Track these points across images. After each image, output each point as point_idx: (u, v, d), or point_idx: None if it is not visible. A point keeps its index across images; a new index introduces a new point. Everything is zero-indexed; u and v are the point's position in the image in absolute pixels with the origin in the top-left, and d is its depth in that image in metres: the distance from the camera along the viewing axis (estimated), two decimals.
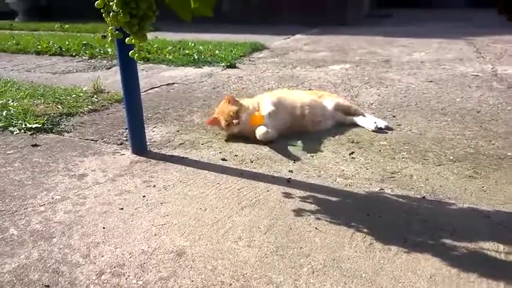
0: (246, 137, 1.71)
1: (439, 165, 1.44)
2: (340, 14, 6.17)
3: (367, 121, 1.83)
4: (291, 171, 1.43)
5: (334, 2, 6.22)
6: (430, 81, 2.65)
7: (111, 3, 1.02)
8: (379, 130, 1.78)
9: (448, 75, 2.82)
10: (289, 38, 5.01)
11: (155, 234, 1.05)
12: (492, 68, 2.98)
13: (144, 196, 1.26)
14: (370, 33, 5.07)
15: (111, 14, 1.03)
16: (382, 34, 4.93)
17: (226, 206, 1.19)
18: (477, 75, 2.78)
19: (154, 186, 1.32)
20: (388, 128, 1.80)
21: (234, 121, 1.68)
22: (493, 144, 1.61)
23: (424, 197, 1.22)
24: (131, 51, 1.13)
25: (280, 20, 6.35)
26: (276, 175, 1.39)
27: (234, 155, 1.58)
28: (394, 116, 2.00)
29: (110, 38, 1.12)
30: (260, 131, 1.64)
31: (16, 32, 6.06)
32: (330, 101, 1.89)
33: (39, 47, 4.25)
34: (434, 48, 3.91)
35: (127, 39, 1.08)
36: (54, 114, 2.07)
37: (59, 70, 3.36)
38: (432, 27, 5.39)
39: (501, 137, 1.68)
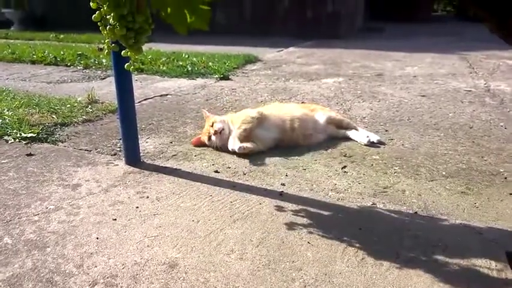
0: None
1: (432, 180, 1.45)
2: (333, 28, 6.27)
3: (360, 135, 1.84)
4: (283, 184, 1.43)
5: (328, 16, 6.31)
6: (423, 96, 2.69)
7: (108, 17, 1.03)
8: (371, 144, 1.79)
9: (441, 90, 2.86)
10: (282, 50, 5.07)
11: (148, 246, 1.05)
12: (485, 84, 3.03)
13: (137, 207, 1.25)
14: (363, 46, 5.14)
15: (107, 27, 1.04)
16: (375, 48, 5.00)
17: (219, 218, 1.18)
18: (470, 91, 2.83)
19: (148, 197, 1.32)
20: (380, 143, 1.82)
21: (211, 132, 1.72)
22: (485, 160, 1.63)
23: (416, 213, 1.22)
24: (127, 64, 1.14)
25: (274, 32, 6.43)
26: (268, 188, 1.39)
27: (226, 167, 1.58)
28: (386, 131, 2.01)
29: (106, 51, 1.13)
30: (235, 146, 1.67)
31: (12, 41, 6.07)
32: (321, 115, 1.90)
33: (35, 56, 4.26)
34: (427, 63, 3.97)
35: (123, 52, 1.09)
36: (48, 123, 2.06)
37: (53, 80, 3.35)
38: (425, 41, 5.49)
39: (493, 153, 1.70)
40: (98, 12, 1.04)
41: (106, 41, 1.09)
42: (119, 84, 1.52)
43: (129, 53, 1.09)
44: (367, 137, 1.81)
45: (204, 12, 1.06)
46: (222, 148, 1.73)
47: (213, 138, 1.73)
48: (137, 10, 1.04)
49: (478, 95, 2.69)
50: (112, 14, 1.02)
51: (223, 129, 1.72)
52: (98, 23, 1.05)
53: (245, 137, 1.70)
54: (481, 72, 3.43)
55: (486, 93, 2.74)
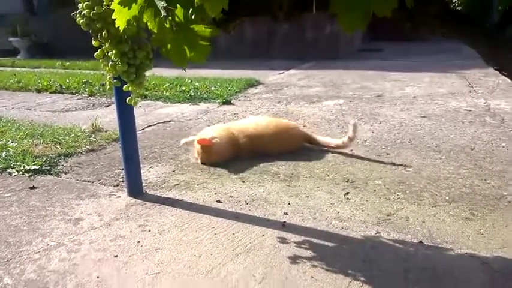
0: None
1: (435, 206, 1.44)
2: (332, 49, 6.35)
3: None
4: (286, 213, 1.42)
5: (327, 37, 6.40)
6: (423, 117, 2.70)
7: (109, 54, 1.06)
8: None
9: (441, 110, 2.87)
10: (283, 72, 5.12)
11: (149, 284, 1.04)
12: (485, 103, 3.03)
13: (138, 242, 1.25)
14: (363, 67, 5.19)
15: (109, 64, 1.07)
16: (374, 68, 5.05)
17: (221, 252, 1.18)
18: (470, 110, 2.83)
19: (149, 230, 1.31)
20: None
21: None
22: (488, 183, 1.62)
23: (421, 242, 1.21)
24: (128, 98, 1.16)
25: (275, 54, 6.52)
26: (271, 218, 1.38)
27: (229, 196, 1.58)
28: (388, 154, 2.01)
29: (108, 87, 1.16)
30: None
31: (18, 69, 6.18)
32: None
33: (40, 84, 4.33)
34: (426, 83, 4.00)
35: (124, 86, 1.11)
36: (52, 154, 2.08)
37: (58, 108, 3.40)
38: (423, 60, 5.54)
39: (496, 176, 1.69)
40: (100, 50, 1.07)
41: (108, 77, 1.12)
42: (120, 115, 1.54)
43: (130, 87, 1.12)
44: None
45: (204, 47, 1.08)
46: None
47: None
48: (138, 46, 1.07)
49: (478, 115, 2.70)
50: (113, 51, 1.05)
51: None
52: (100, 60, 1.08)
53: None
54: (481, 91, 3.44)
55: (486, 113, 2.74)
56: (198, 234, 1.28)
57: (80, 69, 5.88)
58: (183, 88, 3.93)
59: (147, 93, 3.77)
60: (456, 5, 0.94)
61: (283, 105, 3.25)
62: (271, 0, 1.02)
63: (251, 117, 2.31)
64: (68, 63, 6.40)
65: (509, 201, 1.46)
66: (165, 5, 0.91)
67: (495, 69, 0.88)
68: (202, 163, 1.92)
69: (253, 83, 4.26)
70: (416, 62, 5.39)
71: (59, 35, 7.76)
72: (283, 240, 1.23)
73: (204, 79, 4.36)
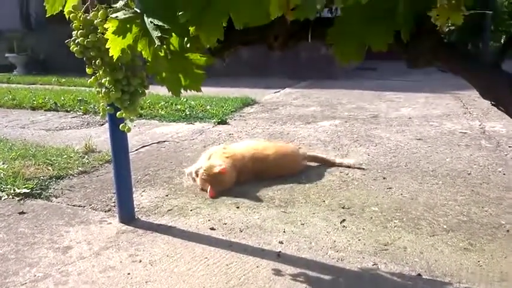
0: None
1: (433, 235, 1.42)
2: (328, 68, 6.39)
3: None
4: (281, 242, 1.39)
5: (322, 57, 6.46)
6: (419, 139, 2.69)
7: (103, 81, 1.05)
8: None
9: (436, 132, 2.87)
10: (279, 91, 5.14)
11: None
12: (480, 125, 3.04)
13: (128, 273, 1.21)
14: (358, 87, 5.22)
15: (103, 91, 1.05)
16: (369, 88, 5.08)
17: (214, 285, 1.14)
18: (465, 133, 2.84)
19: (140, 261, 1.27)
20: None
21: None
22: (486, 211, 1.60)
23: (419, 274, 1.18)
24: (122, 125, 1.15)
25: (271, 73, 6.55)
26: (265, 248, 1.35)
27: (223, 223, 1.55)
28: (384, 178, 2.00)
29: (102, 114, 1.14)
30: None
31: (13, 85, 6.16)
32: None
33: (35, 102, 4.30)
34: (421, 104, 4.02)
35: (118, 113, 1.09)
36: (44, 177, 2.04)
37: (52, 127, 3.37)
38: (417, 80, 5.58)
39: (493, 203, 1.67)
40: (93, 77, 1.06)
41: (101, 103, 1.10)
42: (112, 138, 1.52)
43: (124, 114, 1.10)
44: None
45: (199, 75, 1.07)
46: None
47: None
48: (133, 74, 1.06)
49: (473, 138, 2.70)
50: (107, 78, 1.03)
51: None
52: (94, 87, 1.07)
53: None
54: (475, 113, 3.46)
55: (482, 135, 2.75)
56: (191, 265, 1.24)
57: (75, 86, 5.88)
58: (179, 107, 3.92)
59: (142, 112, 3.75)
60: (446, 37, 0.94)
61: (279, 126, 3.24)
62: (267, 30, 1.02)
63: (247, 141, 2.29)
64: (63, 80, 6.40)
65: (508, 230, 1.44)
66: (159, 34, 0.90)
67: (492, 105, 0.87)
68: (212, 196, 1.77)
69: (249, 102, 4.26)
70: (411, 81, 5.44)
71: (56, 52, 7.77)
72: (278, 273, 1.20)
73: (200, 98, 4.35)
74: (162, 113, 3.73)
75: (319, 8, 0.71)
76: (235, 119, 3.53)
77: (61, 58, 8.00)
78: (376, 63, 7.38)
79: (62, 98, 4.44)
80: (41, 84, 6.25)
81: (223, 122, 3.37)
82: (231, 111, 3.79)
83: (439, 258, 1.27)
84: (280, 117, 3.59)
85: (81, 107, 4.00)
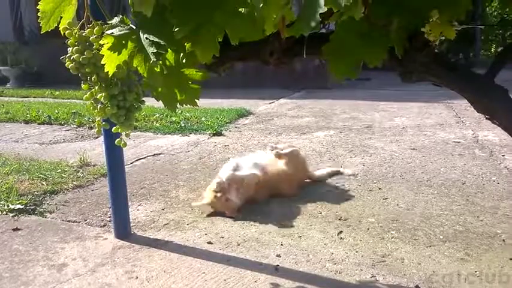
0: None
1: (430, 246, 1.42)
2: (322, 78, 6.45)
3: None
4: (278, 255, 1.39)
5: (316, 67, 6.52)
6: (413, 149, 2.71)
7: (99, 96, 1.04)
8: None
9: (430, 142, 2.90)
10: (274, 102, 5.17)
11: None
12: (473, 134, 3.07)
13: None
14: (352, 97, 5.27)
15: (98, 106, 1.05)
16: (363, 98, 5.13)
17: None
18: (459, 142, 2.86)
19: (137, 277, 1.26)
20: None
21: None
22: (481, 220, 1.61)
23: (417, 286, 1.18)
24: (117, 140, 1.14)
25: (265, 84, 6.59)
26: (263, 261, 1.34)
27: (220, 237, 1.54)
28: (380, 188, 2.00)
29: (97, 129, 1.13)
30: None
31: (6, 99, 6.13)
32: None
33: (28, 115, 4.28)
34: (414, 113, 4.06)
35: (113, 128, 1.09)
36: (38, 192, 2.02)
37: (46, 140, 3.35)
38: (411, 89, 5.64)
39: (489, 212, 1.68)
40: (89, 93, 1.05)
41: (97, 119, 1.09)
42: (108, 151, 1.51)
43: (119, 129, 1.10)
44: None
45: (194, 90, 1.07)
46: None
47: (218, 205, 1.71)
48: (128, 89, 1.06)
49: (467, 147, 2.72)
50: (103, 94, 1.03)
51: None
52: (89, 102, 1.06)
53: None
54: (468, 122, 3.50)
55: (475, 145, 2.77)
56: (188, 281, 1.23)
57: (69, 99, 5.86)
58: (174, 119, 3.92)
59: (136, 124, 3.74)
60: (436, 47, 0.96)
61: (274, 137, 3.25)
62: (262, 46, 1.03)
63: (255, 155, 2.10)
64: (57, 93, 6.38)
65: (503, 240, 1.45)
66: (155, 50, 0.91)
67: (486, 118, 0.88)
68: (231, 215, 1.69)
69: (244, 113, 4.28)
70: (405, 91, 5.49)
71: (50, 64, 7.77)
72: (276, 287, 1.19)
73: (195, 109, 4.36)
74: (157, 125, 3.73)
75: (314, 25, 0.72)
76: (230, 131, 3.54)
77: (55, 71, 7.99)
78: (370, 74, 7.46)
79: (56, 111, 4.43)
80: (34, 98, 6.23)
81: (218, 134, 3.37)
82: (226, 123, 3.80)
83: (436, 269, 1.27)
84: (275, 128, 3.60)
85: (75, 120, 3.98)
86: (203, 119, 3.90)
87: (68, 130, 3.76)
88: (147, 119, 3.98)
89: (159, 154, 2.80)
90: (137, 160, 2.66)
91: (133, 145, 3.05)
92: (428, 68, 0.87)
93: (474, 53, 9.38)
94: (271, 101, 5.21)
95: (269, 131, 3.46)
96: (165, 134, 3.45)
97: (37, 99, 5.94)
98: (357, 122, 3.73)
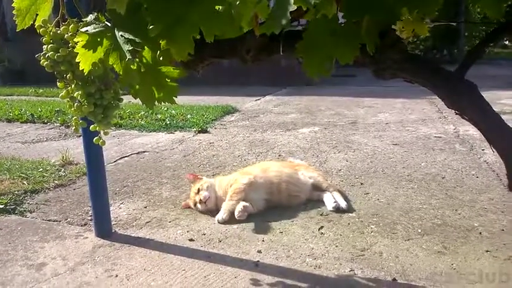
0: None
1: (408, 239, 1.45)
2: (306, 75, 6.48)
3: (329, 200, 1.76)
4: (259, 251, 1.40)
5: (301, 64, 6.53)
6: (396, 144, 2.75)
7: (75, 94, 1.03)
8: (337, 210, 1.69)
9: (413, 137, 2.94)
10: (259, 99, 5.17)
11: None
12: (454, 129, 3.13)
13: None
14: (337, 93, 5.30)
15: (75, 105, 1.04)
16: (348, 94, 5.17)
17: None
18: (440, 137, 2.91)
19: (117, 275, 1.25)
20: (348, 210, 1.69)
21: (198, 199, 1.68)
22: (459, 214, 1.64)
23: (394, 279, 1.20)
24: (95, 138, 1.13)
25: (251, 81, 6.58)
26: (244, 257, 1.35)
27: (202, 234, 1.54)
28: (362, 184, 2.03)
29: (75, 127, 1.12)
30: (218, 217, 1.64)
31: None
32: (306, 177, 1.86)
33: (11, 114, 4.20)
34: (398, 109, 4.11)
35: (91, 126, 1.08)
36: (18, 191, 1.99)
37: (29, 139, 3.29)
38: (395, 85, 5.70)
39: (467, 206, 1.72)
40: (65, 91, 1.04)
41: (74, 118, 1.08)
42: (87, 149, 1.49)
43: (97, 128, 1.09)
44: (334, 202, 1.73)
45: (172, 88, 1.07)
46: (209, 212, 1.71)
47: (199, 206, 1.71)
48: (105, 87, 1.05)
49: (448, 142, 2.77)
50: (79, 92, 1.02)
51: (209, 197, 1.69)
52: (65, 101, 1.05)
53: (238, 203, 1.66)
54: (450, 117, 3.55)
55: (456, 139, 2.83)
56: (168, 278, 1.23)
57: (53, 97, 5.76)
58: (159, 116, 3.90)
59: (121, 122, 3.72)
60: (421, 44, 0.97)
61: (259, 133, 3.26)
62: (238, 43, 1.03)
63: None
64: (41, 91, 6.28)
65: (480, 233, 1.48)
66: (130, 48, 0.90)
67: (456, 113, 0.90)
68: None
69: (230, 110, 4.27)
70: (389, 87, 5.55)
71: (33, 62, 7.63)
72: (256, 282, 1.20)
73: (181, 107, 4.34)
74: (142, 123, 3.70)
75: (284, 23, 0.72)
76: (215, 128, 3.53)
77: (38, 68, 7.83)
78: (356, 70, 7.52)
79: (39, 109, 4.36)
80: (17, 96, 6.11)
81: (203, 131, 3.37)
82: (212, 120, 3.79)
83: (414, 262, 1.30)
84: (260, 125, 3.61)
85: (59, 118, 3.93)
86: (189, 116, 3.88)
87: (51, 129, 3.71)
88: (132, 116, 3.95)
89: (144, 152, 2.78)
90: (121, 158, 2.64)
91: (117, 143, 3.02)
92: (400, 64, 0.89)
93: (458, 50, 9.51)
94: (257, 98, 5.22)
95: (254, 128, 3.46)
96: (150, 131, 3.43)
97: (20, 98, 5.83)
98: (341, 118, 3.76)
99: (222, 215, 1.63)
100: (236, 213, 1.62)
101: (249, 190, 1.70)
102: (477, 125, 0.90)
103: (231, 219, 1.62)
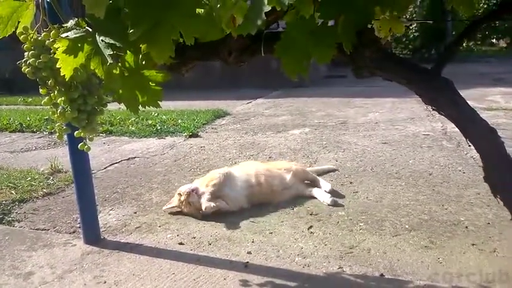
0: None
1: (396, 235, 1.46)
2: (298, 76, 6.51)
3: (323, 195, 1.81)
4: (249, 252, 1.40)
5: None
6: (385, 143, 2.78)
7: (58, 101, 1.03)
8: (335, 204, 1.75)
9: (401, 135, 2.97)
10: (251, 102, 5.18)
11: None
12: (442, 127, 3.17)
13: None
14: (327, 94, 5.34)
15: (58, 111, 1.04)
16: (338, 95, 5.20)
17: None
18: (428, 135, 2.95)
19: (105, 282, 1.25)
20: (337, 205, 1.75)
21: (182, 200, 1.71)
22: (446, 209, 1.66)
23: (382, 275, 1.21)
24: (80, 144, 1.13)
25: (242, 84, 6.60)
26: (233, 259, 1.35)
27: (191, 237, 1.54)
28: (351, 183, 2.05)
29: (58, 134, 1.12)
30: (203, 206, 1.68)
31: None
32: (286, 171, 1.91)
33: None
34: (387, 108, 4.15)
35: (76, 132, 1.08)
36: (6, 201, 1.97)
37: (17, 148, 3.27)
38: (385, 85, 5.78)
39: (453, 201, 1.74)
40: (47, 97, 1.04)
41: (57, 124, 1.08)
42: (73, 156, 1.48)
43: (82, 134, 1.08)
44: (331, 197, 1.79)
45: (156, 91, 1.07)
46: (196, 215, 1.70)
47: (185, 210, 1.71)
48: (89, 92, 1.05)
49: (435, 139, 2.81)
50: (62, 98, 1.02)
51: (193, 190, 1.70)
52: (49, 107, 1.05)
53: (214, 195, 1.70)
54: (438, 115, 3.57)
55: (443, 137, 2.86)
56: (157, 282, 1.23)
57: (42, 106, 5.72)
58: (150, 121, 3.89)
59: (111, 128, 3.70)
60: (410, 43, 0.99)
61: (250, 136, 3.27)
62: (220, 45, 1.04)
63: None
64: (30, 99, 6.23)
65: (466, 227, 1.50)
66: (111, 52, 0.90)
67: (433, 109, 0.92)
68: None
69: (221, 114, 4.28)
70: (379, 87, 5.59)
71: (21, 71, 7.58)
72: (245, 283, 1.20)
73: (172, 112, 4.34)
74: (133, 129, 3.69)
75: (259, 23, 0.73)
76: (206, 132, 3.53)
77: (27, 78, 7.78)
78: (346, 71, 7.56)
79: (28, 118, 4.32)
80: (6, 105, 6.06)
81: (194, 135, 3.37)
82: (203, 124, 3.80)
83: (401, 257, 1.31)
84: (251, 127, 3.62)
85: (48, 127, 3.90)
86: (179, 121, 3.88)
87: (40, 137, 3.68)
88: (122, 123, 3.94)
89: (134, 158, 2.77)
90: (111, 165, 2.62)
91: (107, 150, 3.01)
92: (377, 63, 0.90)
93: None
94: (248, 101, 5.23)
95: (245, 131, 3.47)
96: (141, 137, 3.42)
97: (8, 107, 5.78)
98: (332, 118, 3.78)
99: (203, 204, 1.66)
100: (204, 207, 1.66)
101: (224, 184, 1.73)
102: (454, 120, 0.92)
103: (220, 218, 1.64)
